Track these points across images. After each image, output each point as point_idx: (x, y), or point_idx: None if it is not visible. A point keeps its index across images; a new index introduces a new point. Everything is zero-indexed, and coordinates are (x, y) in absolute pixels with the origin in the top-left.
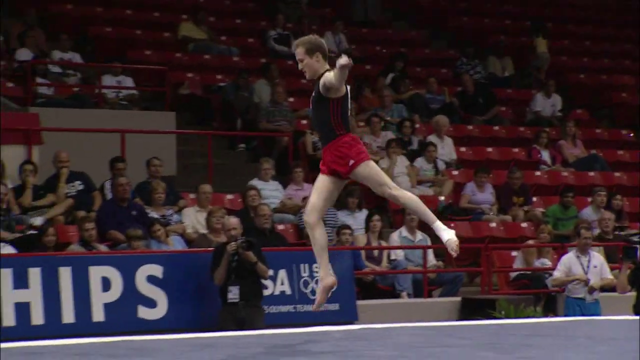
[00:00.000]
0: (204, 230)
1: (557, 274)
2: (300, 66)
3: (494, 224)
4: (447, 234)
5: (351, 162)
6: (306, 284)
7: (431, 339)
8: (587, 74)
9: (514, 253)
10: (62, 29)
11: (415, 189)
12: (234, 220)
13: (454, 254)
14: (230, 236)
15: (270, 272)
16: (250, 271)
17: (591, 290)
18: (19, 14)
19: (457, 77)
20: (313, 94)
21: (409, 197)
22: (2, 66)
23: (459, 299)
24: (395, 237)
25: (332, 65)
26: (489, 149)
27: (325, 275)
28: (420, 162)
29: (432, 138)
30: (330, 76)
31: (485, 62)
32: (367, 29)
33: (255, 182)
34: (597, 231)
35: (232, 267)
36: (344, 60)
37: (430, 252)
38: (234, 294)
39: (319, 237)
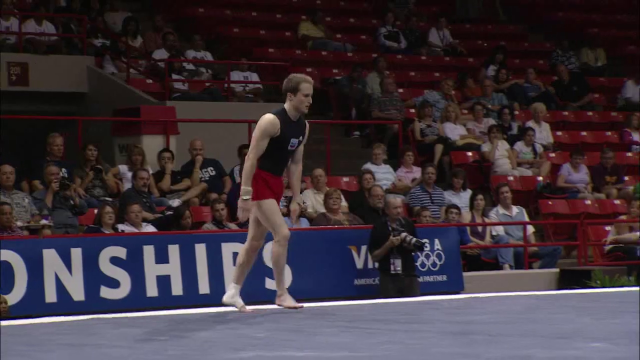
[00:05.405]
0: (322, 210)
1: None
2: (309, 100)
3: (588, 202)
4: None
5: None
6: (415, 257)
7: (532, 306)
8: None
9: (607, 227)
10: (195, 31)
11: (515, 170)
12: (399, 200)
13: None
14: (396, 214)
15: None
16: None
17: None
18: (152, 19)
19: (553, 67)
20: (301, 138)
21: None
22: (142, 65)
23: (557, 270)
24: (493, 214)
25: None
26: (583, 133)
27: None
28: (519, 145)
29: (530, 123)
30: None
31: (579, 53)
32: (469, 25)
33: (368, 165)
34: None
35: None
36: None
37: (529, 226)
38: (396, 266)
39: None
